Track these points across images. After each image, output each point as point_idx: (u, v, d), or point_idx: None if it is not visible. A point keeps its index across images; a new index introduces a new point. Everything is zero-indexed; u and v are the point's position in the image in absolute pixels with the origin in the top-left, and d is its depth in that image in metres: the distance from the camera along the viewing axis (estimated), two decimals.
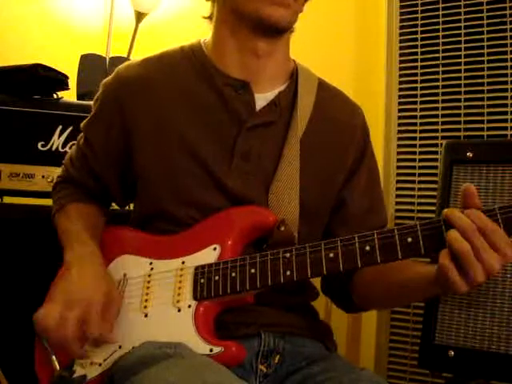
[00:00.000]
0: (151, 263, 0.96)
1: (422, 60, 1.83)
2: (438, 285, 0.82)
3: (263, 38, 0.99)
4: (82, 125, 1.12)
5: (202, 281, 0.90)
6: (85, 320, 0.87)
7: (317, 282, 1.08)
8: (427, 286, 0.86)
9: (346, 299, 1.07)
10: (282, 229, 0.93)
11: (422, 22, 1.84)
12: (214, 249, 0.93)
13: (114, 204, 1.17)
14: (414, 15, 1.85)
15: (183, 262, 0.94)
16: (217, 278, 0.89)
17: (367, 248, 0.82)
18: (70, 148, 1.39)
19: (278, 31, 0.98)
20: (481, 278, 0.75)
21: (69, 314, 0.87)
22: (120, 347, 0.91)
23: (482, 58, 1.73)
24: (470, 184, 0.79)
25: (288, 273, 0.86)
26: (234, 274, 0.88)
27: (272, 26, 0.96)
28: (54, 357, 0.96)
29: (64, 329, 0.86)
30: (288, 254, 0.87)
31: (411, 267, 0.91)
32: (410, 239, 0.80)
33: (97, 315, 0.88)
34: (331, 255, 0.84)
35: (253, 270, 0.88)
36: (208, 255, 0.93)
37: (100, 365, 0.92)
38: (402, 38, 1.87)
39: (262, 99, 1.02)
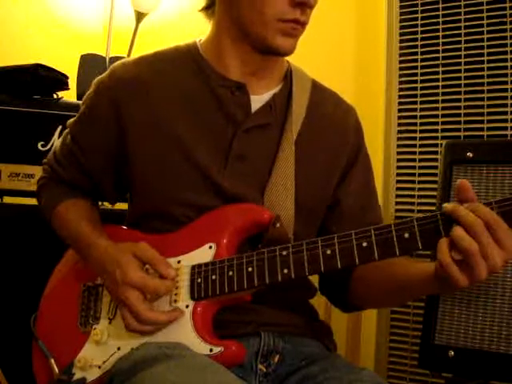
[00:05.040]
0: None
1: (422, 60, 1.83)
2: (437, 281, 0.81)
3: (265, 56, 0.99)
4: (68, 123, 1.11)
5: (199, 280, 0.90)
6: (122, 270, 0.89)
7: (315, 280, 1.08)
8: (426, 284, 0.86)
9: (343, 298, 1.06)
10: (278, 225, 0.92)
11: (422, 22, 1.84)
12: (210, 247, 0.92)
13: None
14: (414, 15, 1.85)
15: (179, 262, 0.93)
16: (214, 277, 0.89)
17: (364, 244, 0.81)
18: None
19: (283, 56, 1.00)
20: (484, 274, 0.75)
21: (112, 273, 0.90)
22: (119, 349, 0.91)
23: (482, 58, 1.73)
24: (463, 179, 0.78)
25: (285, 271, 0.85)
26: (231, 273, 0.88)
27: (278, 54, 0.98)
28: (52, 360, 0.95)
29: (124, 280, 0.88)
30: (285, 252, 0.86)
31: (410, 265, 0.91)
32: (406, 235, 0.79)
33: (129, 261, 0.90)
34: (328, 252, 0.83)
35: (250, 269, 0.87)
36: (204, 254, 0.92)
37: (99, 367, 0.92)
38: (402, 38, 1.87)
39: (257, 101, 1.01)
